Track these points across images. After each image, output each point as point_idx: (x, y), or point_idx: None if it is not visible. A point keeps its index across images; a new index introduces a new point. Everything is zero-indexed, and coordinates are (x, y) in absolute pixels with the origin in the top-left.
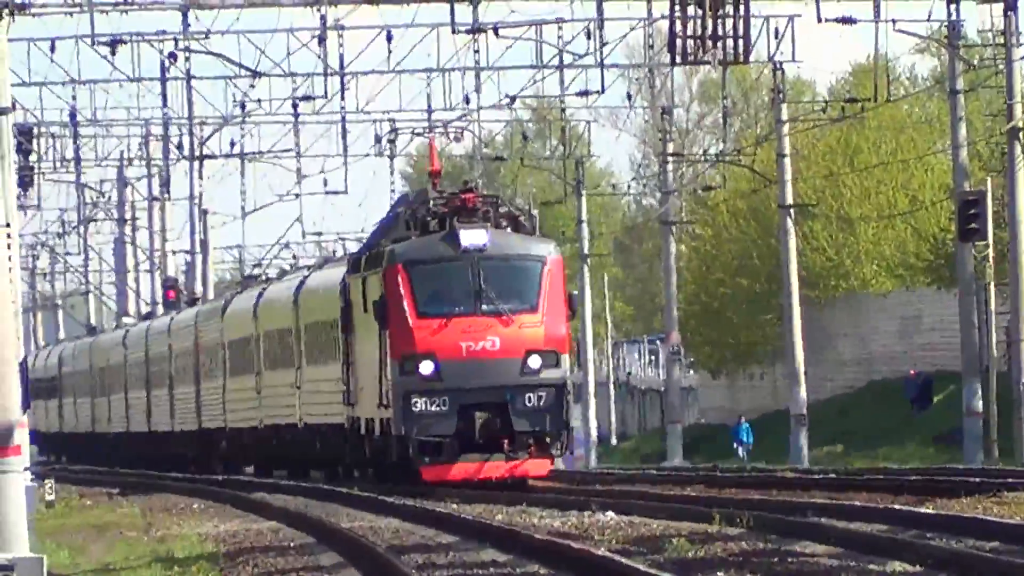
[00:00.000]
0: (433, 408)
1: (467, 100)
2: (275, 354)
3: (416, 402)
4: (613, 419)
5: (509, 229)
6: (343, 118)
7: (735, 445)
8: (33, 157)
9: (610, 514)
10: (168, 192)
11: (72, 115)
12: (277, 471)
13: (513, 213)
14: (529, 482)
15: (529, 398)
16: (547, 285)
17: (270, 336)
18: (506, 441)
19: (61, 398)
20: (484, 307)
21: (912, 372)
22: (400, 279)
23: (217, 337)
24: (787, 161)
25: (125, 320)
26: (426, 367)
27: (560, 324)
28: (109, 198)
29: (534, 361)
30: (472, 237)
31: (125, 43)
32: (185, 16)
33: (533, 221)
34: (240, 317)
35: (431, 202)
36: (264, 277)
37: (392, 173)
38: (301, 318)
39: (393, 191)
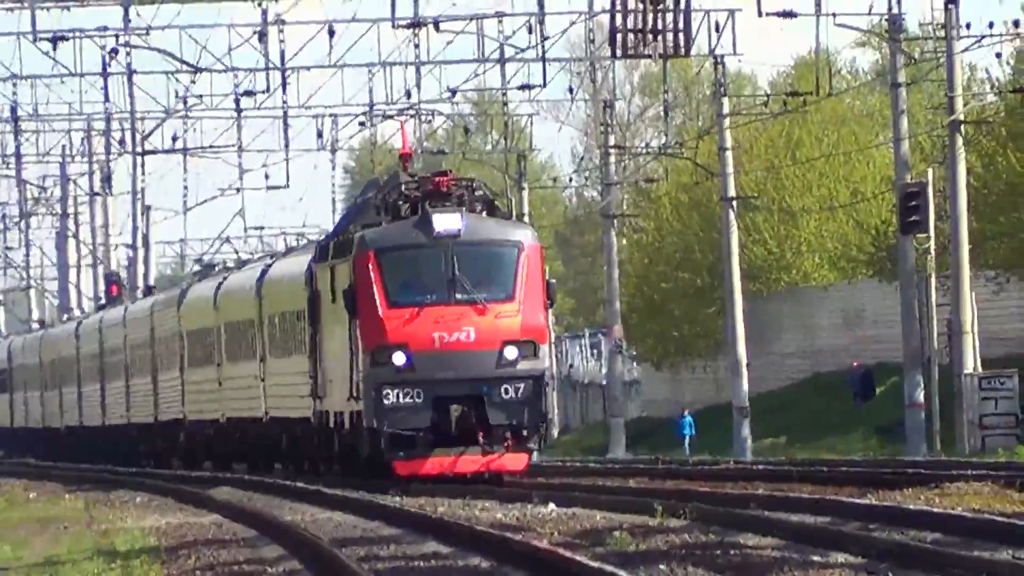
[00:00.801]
0: (406, 400)
1: (408, 94)
2: (237, 345)
3: (388, 394)
4: (555, 412)
5: (484, 213)
6: (285, 113)
7: (680, 437)
8: None
9: (552, 506)
10: (110, 187)
11: (13, 111)
12: (238, 465)
13: (489, 197)
14: (505, 477)
15: (506, 390)
16: (524, 272)
17: (232, 327)
18: (482, 434)
19: (11, 392)
20: (458, 296)
21: (855, 364)
22: (371, 267)
23: (174, 327)
24: (729, 154)
25: (76, 313)
26: (398, 358)
27: (538, 313)
28: (51, 194)
29: (511, 352)
30: (446, 222)
31: (67, 39)
32: (126, 11)
33: (509, 204)
34: (199, 307)
35: (403, 186)
36: (223, 266)
37: (334, 168)
38: (265, 308)
39: (334, 185)
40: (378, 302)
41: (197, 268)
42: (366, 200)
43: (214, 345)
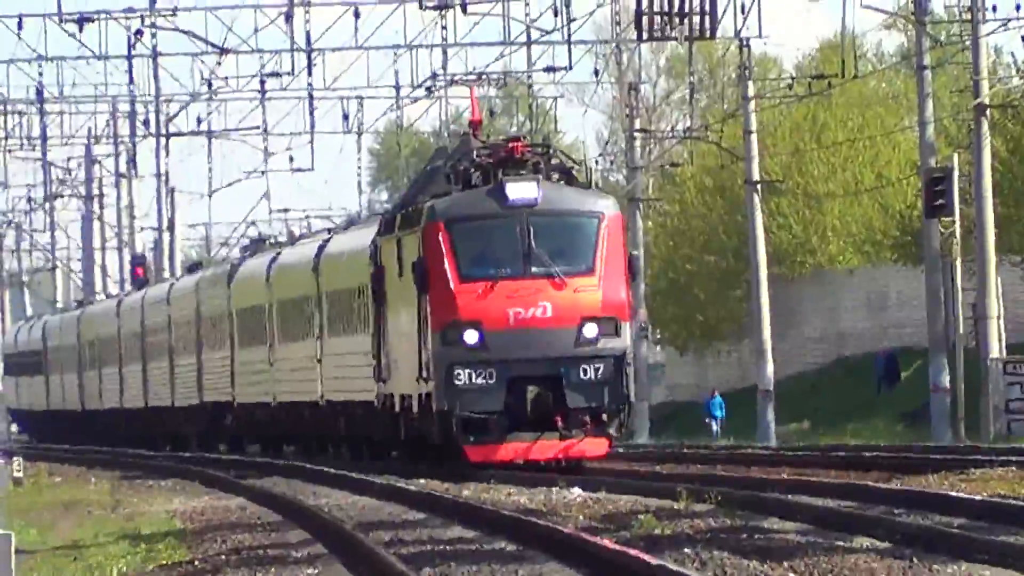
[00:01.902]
0: (479, 381)
1: (434, 76)
2: (292, 324)
3: (459, 375)
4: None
5: (562, 182)
6: (310, 95)
7: (707, 420)
8: None
9: (577, 490)
10: (135, 169)
11: (39, 92)
12: (288, 449)
13: (566, 164)
14: (585, 464)
15: (585, 370)
16: (605, 244)
17: (286, 305)
18: (559, 418)
19: (47, 374)
20: (534, 269)
21: (880, 349)
22: (441, 239)
23: (223, 305)
24: (754, 137)
25: (99, 296)
26: (471, 336)
27: (619, 288)
28: (76, 175)
29: (590, 329)
30: (520, 191)
31: (92, 21)
32: None
33: (589, 173)
34: (251, 284)
35: (474, 153)
36: (273, 241)
37: (359, 150)
38: (323, 285)
39: (360, 168)
40: (449, 276)
41: (246, 244)
42: (435, 168)
43: (266, 324)
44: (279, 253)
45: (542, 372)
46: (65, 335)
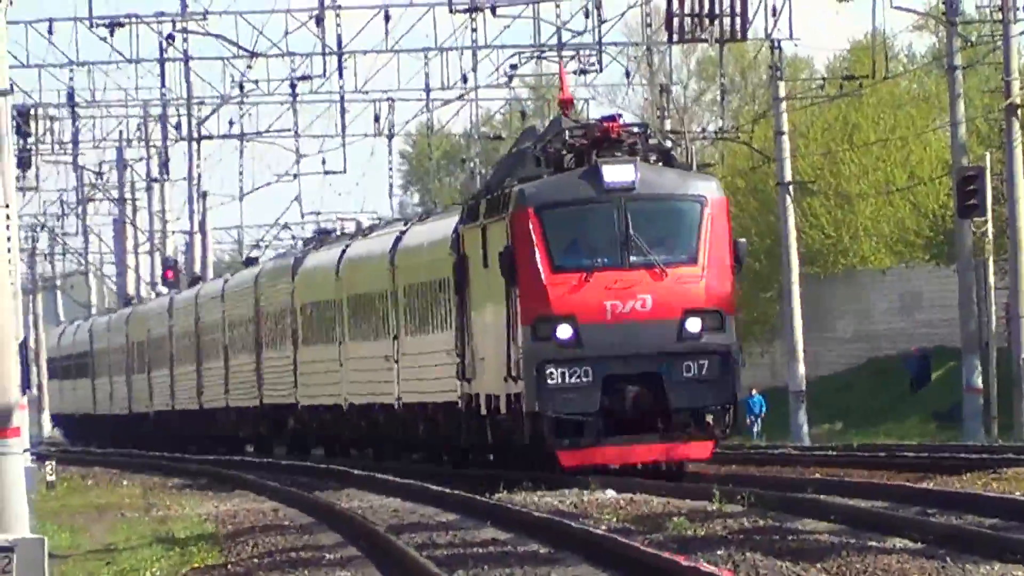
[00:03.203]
0: (573, 380)
1: (465, 79)
2: (364, 321)
3: (552, 373)
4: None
5: (661, 164)
6: (341, 98)
7: (748, 419)
8: (31, 139)
9: (610, 492)
10: (167, 173)
11: (70, 96)
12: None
13: (664, 145)
14: (688, 467)
15: (688, 367)
16: (709, 231)
17: (358, 300)
18: (660, 420)
19: (93, 377)
20: (633, 258)
21: (914, 349)
22: (531, 226)
23: (286, 301)
24: (785, 138)
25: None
26: (564, 331)
27: (725, 278)
28: (108, 179)
29: (694, 323)
30: (617, 173)
31: (123, 25)
32: None
33: (689, 154)
34: (318, 278)
35: (566, 133)
36: (339, 232)
37: (391, 153)
38: (400, 279)
39: (391, 171)
40: (540, 266)
41: (321, 230)
42: (523, 150)
43: (335, 321)
44: (349, 245)
45: (641, 370)
46: (113, 336)
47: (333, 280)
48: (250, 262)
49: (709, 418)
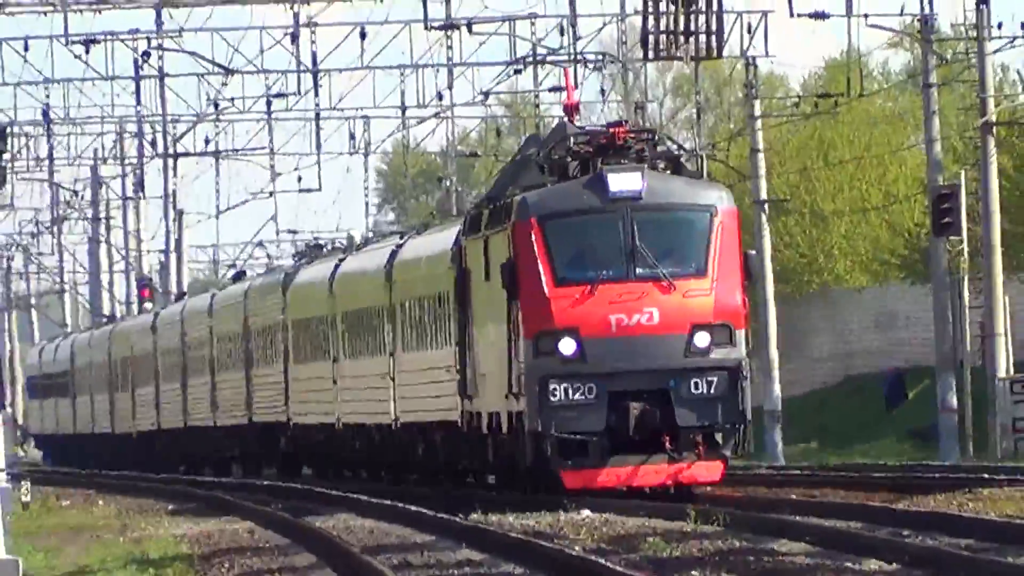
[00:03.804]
0: (576, 397)
1: (440, 96)
2: (359, 337)
3: (555, 390)
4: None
5: (669, 171)
6: (317, 115)
7: None
8: (6, 156)
9: (585, 512)
10: (142, 191)
11: (45, 114)
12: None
13: (673, 152)
14: (695, 490)
15: (696, 384)
16: (718, 242)
17: (353, 316)
18: (668, 439)
19: (74, 396)
20: (639, 271)
21: (888, 369)
22: (533, 236)
23: (276, 316)
24: (761, 156)
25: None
26: (567, 346)
27: (734, 291)
28: (83, 197)
29: (702, 338)
30: (623, 182)
31: (99, 42)
32: (159, 14)
33: (699, 161)
34: (310, 293)
35: (570, 140)
36: (331, 247)
37: (366, 171)
38: (397, 294)
39: (367, 188)
40: (542, 279)
41: (313, 243)
42: (526, 157)
43: (329, 337)
44: (343, 259)
45: (648, 386)
46: (95, 353)
47: (326, 295)
48: (238, 277)
49: (718, 437)
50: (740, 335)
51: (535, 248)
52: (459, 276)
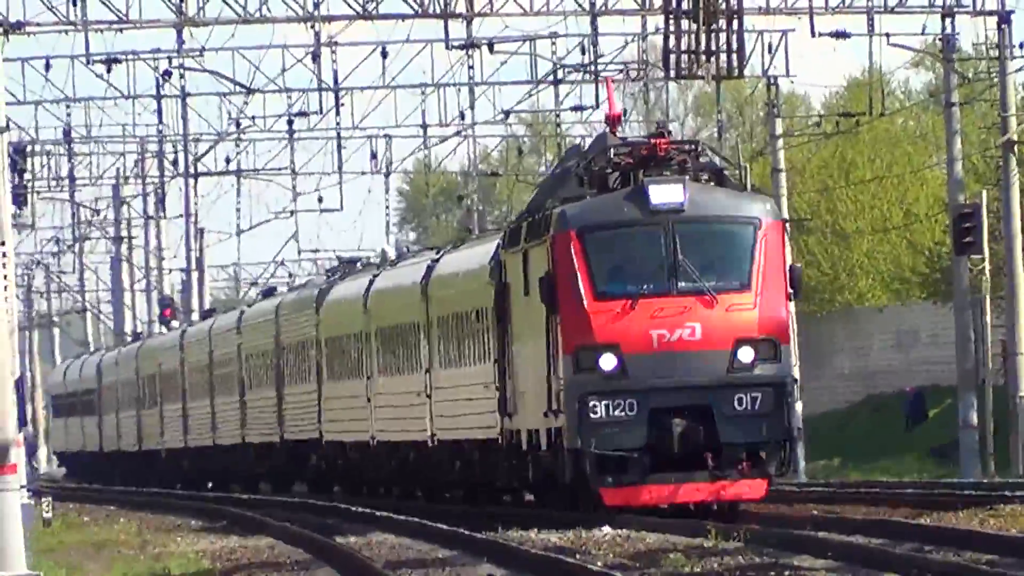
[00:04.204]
0: (617, 414)
1: (462, 116)
2: (394, 354)
3: (595, 406)
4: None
5: (712, 183)
6: (338, 134)
7: None
8: (28, 176)
9: (606, 528)
10: (164, 210)
11: (67, 133)
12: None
13: (716, 163)
14: (740, 507)
15: (740, 400)
16: (762, 255)
17: (388, 333)
18: (710, 456)
19: (100, 414)
20: (681, 284)
21: (909, 389)
22: (573, 249)
23: (310, 333)
24: (782, 175)
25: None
26: (607, 362)
27: (779, 305)
28: (104, 216)
29: (746, 353)
30: (665, 194)
31: (120, 61)
32: (179, 33)
33: (744, 173)
34: (344, 309)
35: (611, 151)
36: (365, 262)
37: (387, 190)
38: (433, 309)
39: (388, 208)
40: (582, 293)
41: (348, 259)
42: (566, 169)
43: (363, 354)
44: (377, 275)
45: (690, 402)
46: (122, 371)
47: (361, 312)
48: (268, 293)
49: (763, 455)
50: (785, 350)
51: (575, 261)
52: (498, 291)
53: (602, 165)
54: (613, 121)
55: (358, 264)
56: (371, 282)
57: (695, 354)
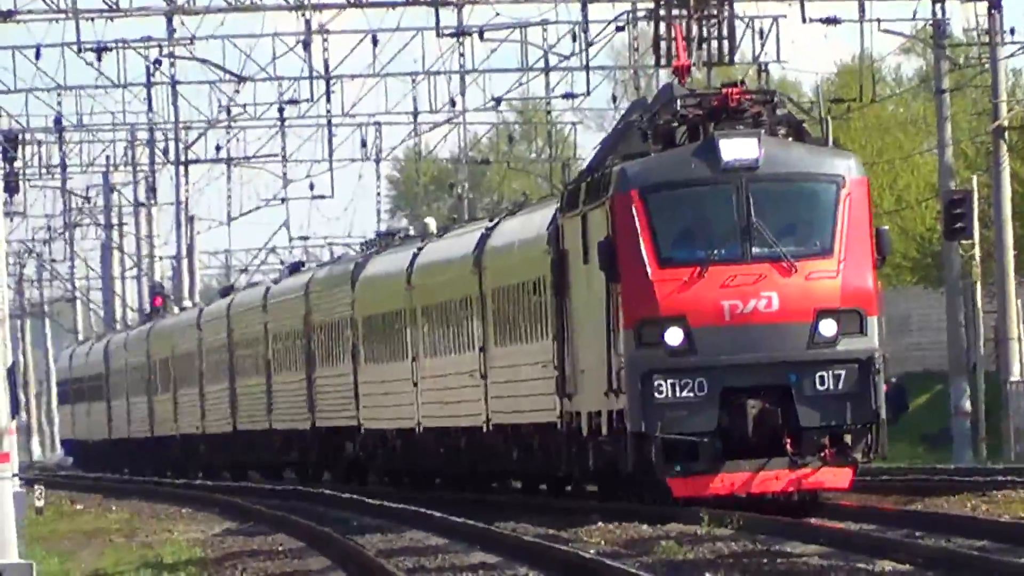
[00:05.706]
0: (685, 394)
1: (453, 103)
2: (443, 333)
3: (660, 386)
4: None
5: (790, 138)
6: (329, 122)
7: None
8: (18, 164)
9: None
10: (154, 197)
11: (58, 121)
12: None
13: (794, 117)
14: (821, 497)
15: (822, 379)
16: (846, 216)
17: (435, 310)
18: (790, 441)
19: (109, 400)
20: (756, 250)
21: (889, 381)
22: (635, 211)
23: (344, 311)
24: None
25: (117, 326)
26: (673, 336)
27: (865, 273)
28: (95, 204)
29: (828, 326)
30: (737, 149)
31: (111, 50)
32: (170, 22)
33: (825, 126)
34: (384, 285)
35: (678, 103)
36: (405, 234)
37: (378, 177)
38: (487, 282)
39: (379, 195)
40: (645, 260)
41: (385, 231)
42: (629, 124)
43: (407, 333)
44: (421, 248)
45: (766, 381)
46: (132, 355)
47: (403, 288)
48: (295, 268)
49: (847, 439)
50: (872, 322)
51: (636, 224)
52: (556, 259)
53: (668, 118)
54: (682, 71)
55: (396, 236)
56: (415, 256)
57: (771, 327)
